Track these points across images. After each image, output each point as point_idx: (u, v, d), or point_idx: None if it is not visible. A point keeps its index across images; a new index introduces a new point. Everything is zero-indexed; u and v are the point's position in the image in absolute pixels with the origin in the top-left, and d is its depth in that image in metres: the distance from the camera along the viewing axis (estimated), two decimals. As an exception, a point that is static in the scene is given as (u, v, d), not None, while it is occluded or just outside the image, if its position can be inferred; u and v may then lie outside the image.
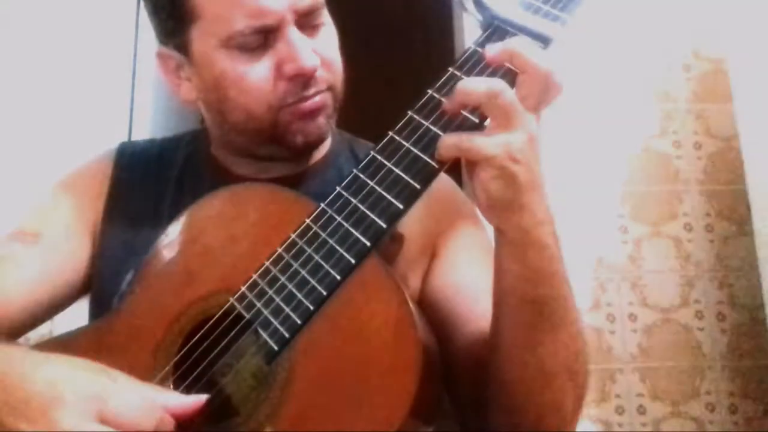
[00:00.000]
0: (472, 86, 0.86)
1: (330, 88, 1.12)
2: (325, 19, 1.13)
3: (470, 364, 1.01)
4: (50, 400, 0.77)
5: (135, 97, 2.43)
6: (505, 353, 0.92)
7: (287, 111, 1.09)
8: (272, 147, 1.15)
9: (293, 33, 1.06)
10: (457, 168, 0.90)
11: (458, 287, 1.10)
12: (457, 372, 1.03)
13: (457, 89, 0.86)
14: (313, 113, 1.10)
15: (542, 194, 0.87)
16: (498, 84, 0.84)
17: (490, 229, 1.02)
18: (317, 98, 1.10)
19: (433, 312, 1.08)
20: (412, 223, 0.98)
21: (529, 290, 0.89)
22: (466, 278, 1.11)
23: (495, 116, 0.84)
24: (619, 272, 2.48)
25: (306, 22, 1.08)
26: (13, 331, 1.09)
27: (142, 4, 2.40)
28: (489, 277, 1.06)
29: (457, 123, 0.88)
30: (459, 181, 1.16)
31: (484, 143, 0.83)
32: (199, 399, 0.83)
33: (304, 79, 1.08)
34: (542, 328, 0.90)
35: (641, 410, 2.36)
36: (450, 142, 0.86)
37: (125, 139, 2.29)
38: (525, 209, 0.85)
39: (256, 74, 1.08)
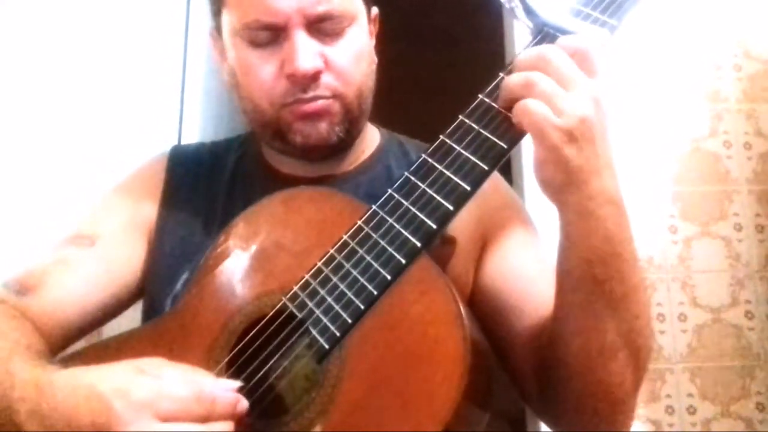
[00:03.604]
0: (510, 81, 0.88)
1: (337, 96, 1.12)
2: (354, 29, 1.14)
3: (532, 347, 1.03)
4: (101, 416, 0.77)
5: (185, 104, 2.45)
6: (567, 329, 0.93)
7: (287, 110, 1.12)
8: (281, 143, 1.17)
9: (298, 35, 1.08)
10: (505, 168, 0.91)
11: (512, 274, 1.11)
12: (519, 356, 1.05)
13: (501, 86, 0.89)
14: (312, 116, 1.12)
15: (603, 174, 0.86)
16: (533, 75, 0.86)
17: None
18: (318, 103, 1.11)
19: (489, 300, 1.10)
20: (463, 222, 1.00)
21: (586, 269, 0.89)
22: (519, 264, 1.12)
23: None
24: (669, 272, 2.46)
25: (320, 27, 1.10)
26: (68, 335, 1.10)
27: (191, 10, 2.45)
28: (540, 261, 1.08)
29: (506, 125, 0.89)
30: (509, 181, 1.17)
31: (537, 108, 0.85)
32: (236, 384, 0.85)
33: (302, 81, 1.10)
34: (601, 305, 0.90)
35: (691, 410, 2.34)
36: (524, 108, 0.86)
37: (176, 143, 2.32)
38: (581, 190, 0.86)
39: (263, 69, 1.12)
